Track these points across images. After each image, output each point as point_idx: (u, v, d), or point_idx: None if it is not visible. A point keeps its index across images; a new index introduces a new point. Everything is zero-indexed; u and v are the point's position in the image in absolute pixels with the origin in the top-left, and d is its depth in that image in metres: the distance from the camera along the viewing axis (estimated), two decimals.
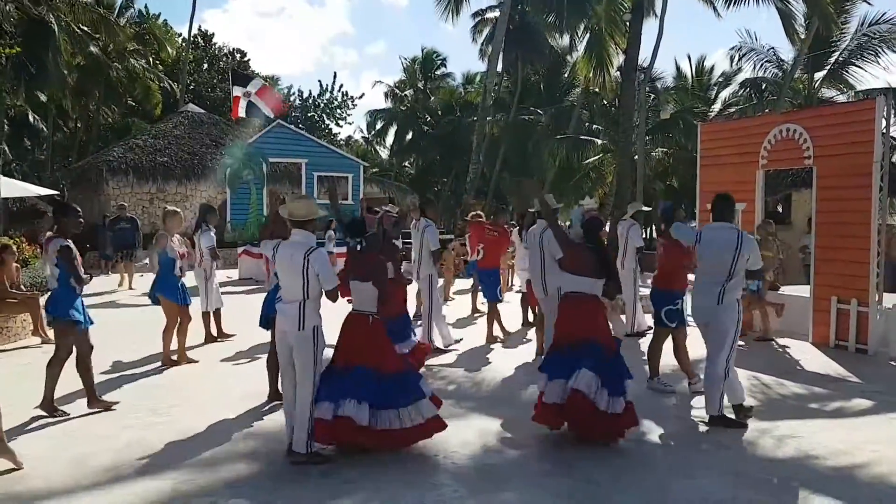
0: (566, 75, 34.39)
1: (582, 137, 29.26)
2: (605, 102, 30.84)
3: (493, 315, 9.51)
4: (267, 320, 6.34)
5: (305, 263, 4.85)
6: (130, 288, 14.68)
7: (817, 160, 9.17)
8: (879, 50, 23.14)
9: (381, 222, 6.71)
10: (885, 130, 8.54)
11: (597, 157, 28.33)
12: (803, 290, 9.64)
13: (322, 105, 46.07)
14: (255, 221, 19.76)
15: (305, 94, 46.53)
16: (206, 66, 40.67)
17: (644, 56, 24.11)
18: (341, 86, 41.80)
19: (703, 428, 5.83)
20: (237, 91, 18.20)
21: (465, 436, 5.55)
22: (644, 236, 11.55)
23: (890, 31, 22.92)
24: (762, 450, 5.36)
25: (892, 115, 8.61)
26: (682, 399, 6.67)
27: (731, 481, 4.73)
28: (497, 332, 9.56)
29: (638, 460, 5.13)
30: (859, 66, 23.68)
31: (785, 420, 6.02)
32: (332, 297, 4.94)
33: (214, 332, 9.51)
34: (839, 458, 5.13)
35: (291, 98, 45.41)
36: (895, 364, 8.10)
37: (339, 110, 46.72)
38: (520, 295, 11.01)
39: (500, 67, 30.75)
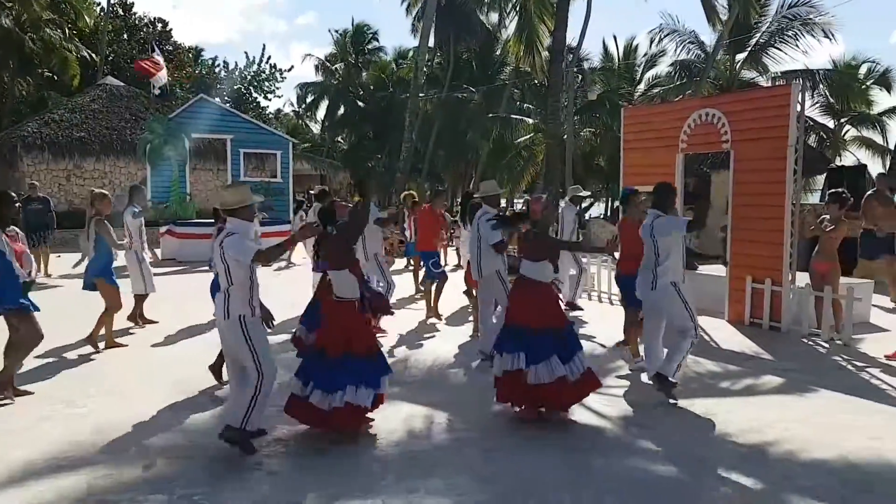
0: (498, 53, 34.46)
1: (513, 117, 29.50)
2: (536, 82, 31.07)
3: (437, 291, 9.90)
4: None
5: (221, 251, 4.86)
6: (47, 274, 13.97)
7: (734, 144, 9.47)
8: (798, 33, 23.95)
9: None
10: (799, 115, 8.86)
11: (528, 137, 28.59)
12: (720, 270, 9.99)
13: (249, 78, 44.85)
14: (178, 199, 19.23)
15: (231, 66, 45.25)
16: (125, 36, 39.01)
17: (572, 37, 24.40)
18: (269, 58, 40.45)
19: (630, 408, 6.01)
20: (158, 56, 17.75)
21: (393, 421, 5.58)
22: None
23: (808, 13, 23.74)
24: (680, 429, 5.56)
25: (808, 97, 8.96)
26: (605, 381, 6.83)
27: (650, 460, 4.90)
28: (437, 310, 9.92)
29: (562, 442, 5.25)
30: (779, 49, 24.47)
31: (701, 398, 6.26)
32: (260, 262, 4.85)
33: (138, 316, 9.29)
34: (752, 436, 5.36)
35: (217, 70, 44.05)
36: (807, 342, 8.48)
37: (267, 83, 45.55)
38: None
39: (431, 44, 30.54)
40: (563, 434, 5.44)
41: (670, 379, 6.10)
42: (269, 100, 46.49)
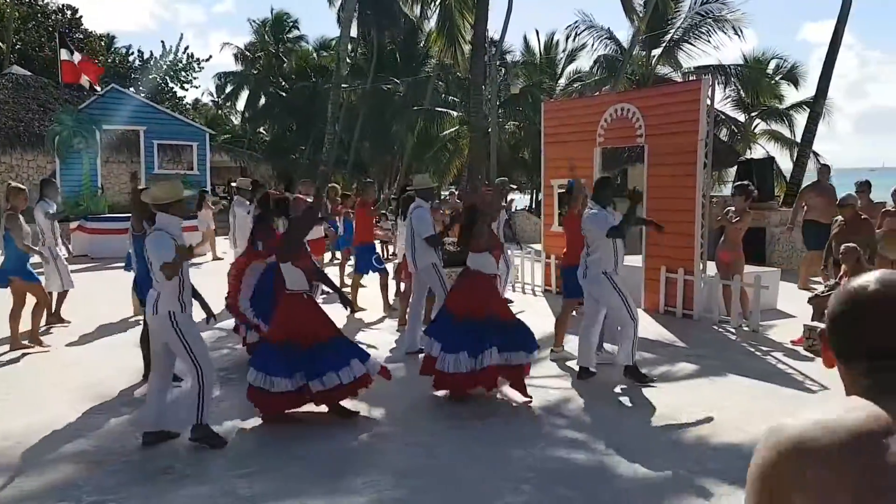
0: (422, 45, 34.39)
1: (438, 109, 29.49)
2: (460, 75, 31.18)
3: (384, 286, 9.96)
4: None
5: (145, 248, 4.84)
6: None
7: (648, 138, 9.73)
8: (711, 29, 24.76)
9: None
10: (709, 110, 9.16)
11: (453, 130, 28.67)
12: (637, 261, 10.26)
13: (165, 67, 43.35)
14: (88, 193, 18.47)
15: (147, 55, 43.63)
16: (33, 24, 37.10)
17: (494, 30, 24.58)
18: (187, 47, 39.20)
19: (550, 398, 6.11)
20: (65, 55, 16.92)
21: (314, 419, 5.51)
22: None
23: (719, 10, 24.57)
24: (599, 416, 5.70)
25: (720, 91, 9.27)
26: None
27: (567, 449, 5.00)
28: (363, 302, 9.96)
29: (480, 433, 5.30)
30: (692, 45, 25.27)
31: (618, 386, 6.43)
32: (165, 273, 4.68)
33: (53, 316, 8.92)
34: (666, 422, 5.54)
35: (131, 59, 42.41)
36: (717, 328, 8.81)
37: (184, 73, 44.13)
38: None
39: (354, 33, 30.23)
40: (483, 426, 5.48)
41: (635, 366, 6.47)
42: (187, 90, 45.04)
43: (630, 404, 5.96)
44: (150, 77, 41.56)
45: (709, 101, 9.13)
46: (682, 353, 7.67)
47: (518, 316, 6.43)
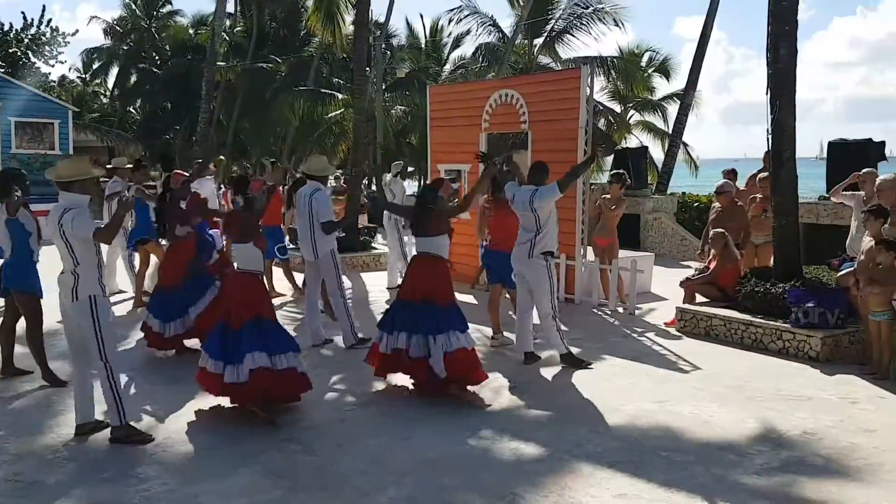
0: (304, 24, 33.44)
1: (323, 91, 28.80)
2: (344, 56, 30.57)
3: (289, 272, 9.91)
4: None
5: (60, 229, 4.54)
6: None
7: (532, 125, 9.81)
8: (592, 20, 25.39)
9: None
10: (589, 98, 9.31)
11: (338, 112, 28.10)
12: None
13: (27, 41, 40.10)
14: None
15: (6, 28, 40.20)
16: None
17: (379, 13, 24.17)
18: (50, 20, 36.28)
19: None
20: None
21: (179, 421, 5.20)
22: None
23: (598, 2, 25.23)
24: (479, 403, 5.65)
25: (598, 83, 9.46)
26: None
27: (447, 436, 4.92)
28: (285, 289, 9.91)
29: (360, 426, 5.14)
30: (573, 35, 25.83)
31: (502, 371, 6.43)
32: (102, 239, 4.68)
33: None
34: (548, 404, 5.58)
35: None
36: (597, 312, 9.03)
37: (48, 47, 41.02)
38: None
39: (231, 9, 29.05)
40: (363, 418, 5.33)
41: (570, 352, 6.60)
42: (52, 66, 41.89)
43: (511, 389, 5.96)
44: (10, 52, 38.38)
45: (588, 90, 9.28)
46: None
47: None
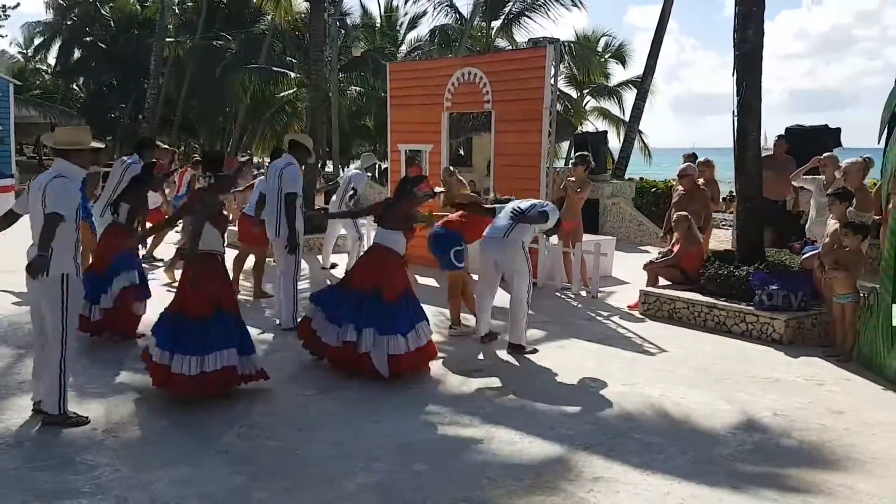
0: (257, 2, 32.60)
1: (275, 69, 28.16)
2: (298, 34, 29.92)
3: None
4: None
5: (43, 197, 4.27)
6: None
7: (495, 104, 9.63)
8: (549, 1, 25.30)
9: None
10: (553, 78, 9.17)
11: (291, 91, 27.51)
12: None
13: None
14: None
15: None
16: None
17: None
18: None
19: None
20: None
21: (129, 405, 4.91)
22: None
23: None
24: (448, 387, 5.50)
25: (561, 65, 9.31)
26: None
27: (417, 421, 4.75)
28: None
29: (326, 412, 4.92)
30: (530, 17, 25.72)
31: (469, 355, 6.29)
32: (48, 225, 4.19)
33: None
34: (518, 387, 5.44)
35: None
36: (559, 295, 8.93)
37: None
38: None
39: None
40: (331, 401, 5.11)
41: (525, 346, 6.35)
42: None
43: (479, 373, 5.81)
44: None
45: (553, 69, 9.13)
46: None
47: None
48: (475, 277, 7.26)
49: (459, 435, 4.57)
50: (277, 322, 7.12)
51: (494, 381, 5.61)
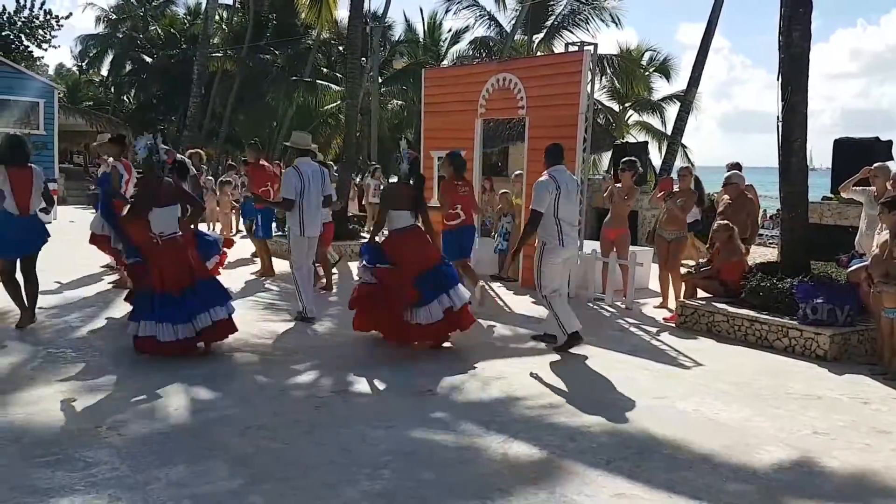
0: (304, 15, 33.01)
1: (320, 82, 28.44)
2: (342, 48, 30.20)
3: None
4: None
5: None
6: None
7: (530, 111, 9.41)
8: (589, 16, 25.11)
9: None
10: (590, 84, 8.92)
11: (335, 105, 27.74)
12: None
13: (19, 24, 39.52)
14: None
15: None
16: None
17: (377, 6, 23.80)
18: (44, 3, 35.74)
19: (412, 373, 5.62)
20: None
21: (138, 402, 4.79)
22: None
23: None
24: (467, 393, 5.27)
25: (597, 81, 9.07)
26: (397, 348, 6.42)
27: (430, 428, 4.53)
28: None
29: (336, 414, 4.73)
30: (571, 32, 25.53)
31: (491, 361, 6.06)
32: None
33: None
34: (538, 399, 5.18)
35: None
36: (592, 306, 8.63)
37: (41, 31, 40.45)
38: None
39: (230, 0, 28.61)
40: (336, 403, 4.93)
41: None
42: (45, 49, 41.30)
43: (504, 379, 5.56)
44: (3, 34, 37.87)
45: (590, 74, 8.89)
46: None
47: None
48: None
49: (472, 444, 4.32)
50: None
51: (515, 389, 5.35)
